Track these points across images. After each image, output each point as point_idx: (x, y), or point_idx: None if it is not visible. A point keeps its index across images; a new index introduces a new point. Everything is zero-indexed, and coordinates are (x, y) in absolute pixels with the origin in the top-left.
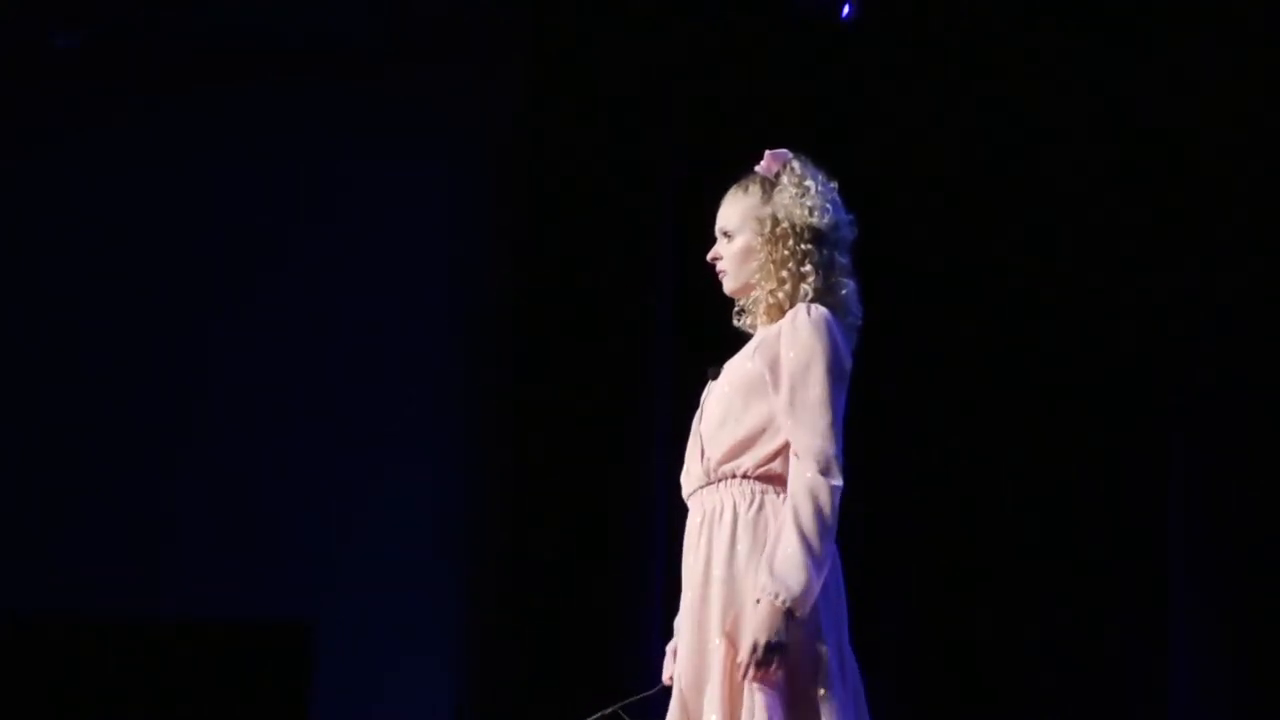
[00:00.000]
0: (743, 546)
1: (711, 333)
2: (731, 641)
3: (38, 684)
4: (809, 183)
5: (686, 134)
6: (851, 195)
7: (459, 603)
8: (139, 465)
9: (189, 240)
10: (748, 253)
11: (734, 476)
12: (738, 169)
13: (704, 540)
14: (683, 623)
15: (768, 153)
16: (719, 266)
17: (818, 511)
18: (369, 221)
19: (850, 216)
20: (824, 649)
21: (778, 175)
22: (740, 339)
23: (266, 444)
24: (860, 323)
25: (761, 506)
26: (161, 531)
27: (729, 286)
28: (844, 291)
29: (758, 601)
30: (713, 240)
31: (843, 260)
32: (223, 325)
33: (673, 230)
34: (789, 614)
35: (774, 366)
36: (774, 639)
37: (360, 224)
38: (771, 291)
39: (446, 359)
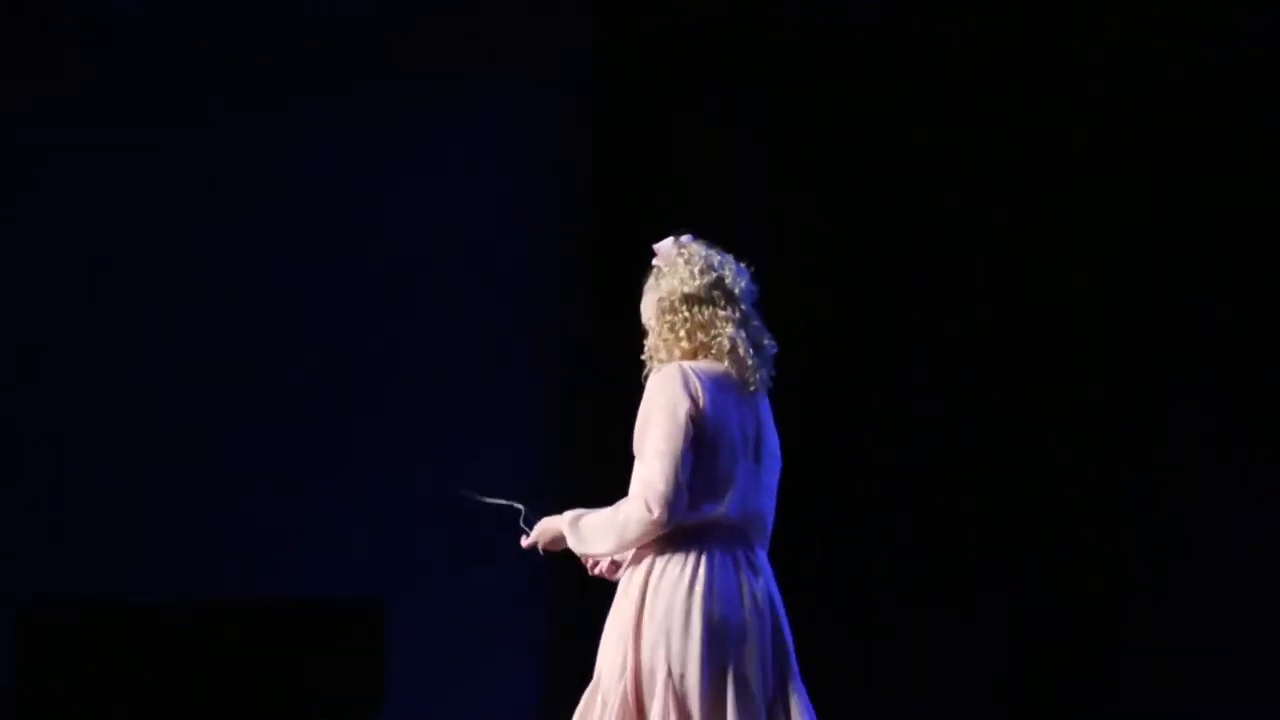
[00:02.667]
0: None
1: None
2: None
3: (120, 667)
4: (686, 254)
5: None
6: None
7: (538, 581)
8: (214, 444)
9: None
10: (654, 338)
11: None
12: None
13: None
14: None
15: (656, 247)
16: (646, 358)
17: (624, 525)
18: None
19: (725, 274)
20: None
21: (664, 262)
22: None
23: (346, 420)
24: (772, 351)
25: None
26: (237, 510)
27: (646, 371)
28: (721, 339)
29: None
30: None
31: (724, 312)
32: (287, 300)
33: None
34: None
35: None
36: (545, 542)
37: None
38: (661, 363)
39: (525, 336)
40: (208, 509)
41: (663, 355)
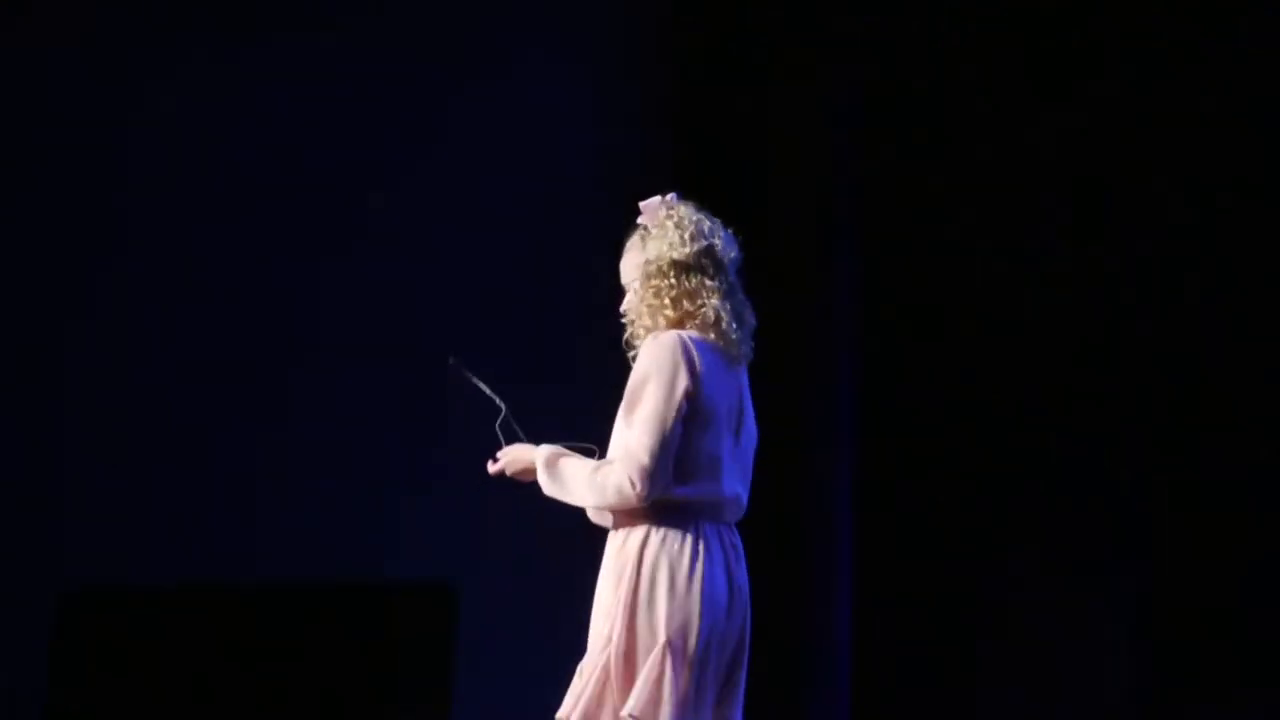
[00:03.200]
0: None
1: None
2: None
3: (191, 651)
4: (675, 218)
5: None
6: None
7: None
8: (282, 427)
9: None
10: (637, 300)
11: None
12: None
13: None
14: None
15: (642, 205)
16: (625, 320)
17: (603, 489)
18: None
19: (715, 243)
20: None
21: (650, 222)
22: None
23: (410, 404)
24: (753, 325)
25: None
26: (306, 493)
27: (627, 335)
28: (707, 310)
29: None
30: None
31: (711, 282)
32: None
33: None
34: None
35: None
36: (514, 470)
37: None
38: (645, 328)
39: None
40: (274, 492)
41: (646, 321)
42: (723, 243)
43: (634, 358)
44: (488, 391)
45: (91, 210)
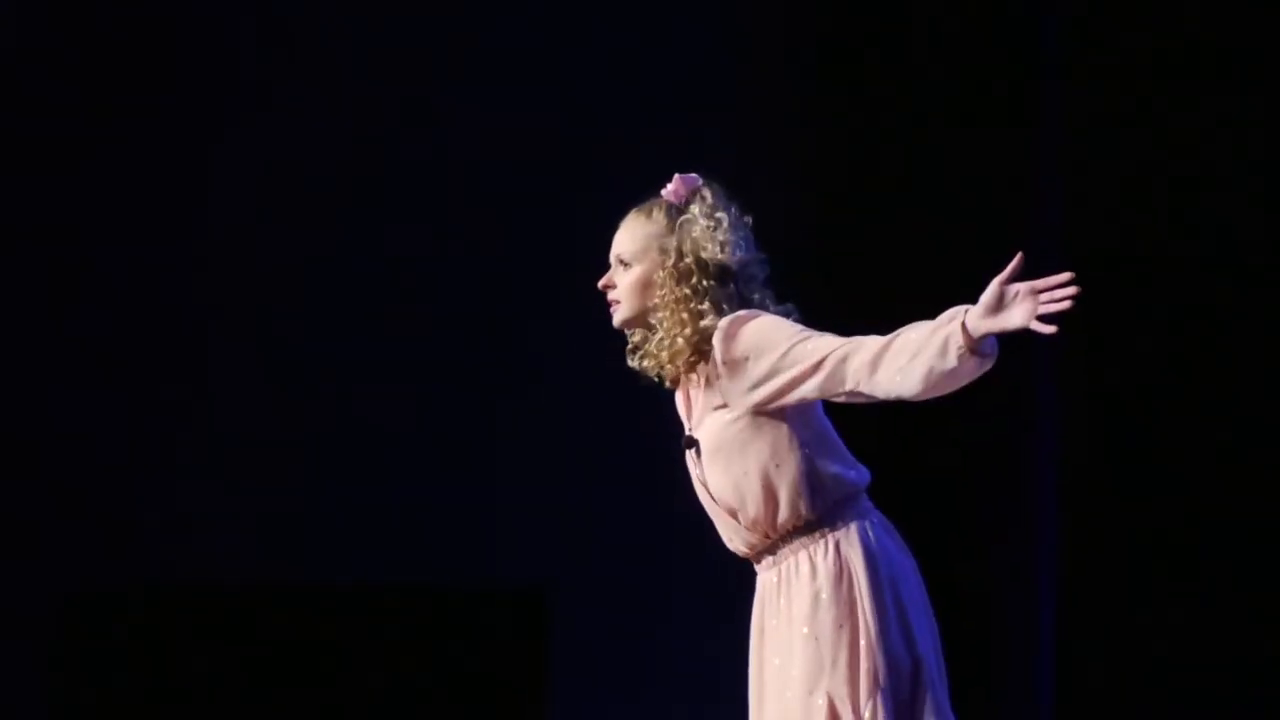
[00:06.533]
0: (825, 596)
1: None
2: (831, 700)
3: (276, 652)
4: (720, 215)
5: None
6: None
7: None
8: (369, 426)
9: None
10: (646, 285)
11: (799, 529)
12: None
13: (784, 601)
14: (767, 689)
15: (677, 177)
16: (610, 296)
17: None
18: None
19: (763, 256)
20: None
21: (686, 203)
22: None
23: (503, 399)
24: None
25: (838, 548)
26: (395, 495)
27: (620, 318)
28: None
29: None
30: None
31: (754, 298)
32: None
33: None
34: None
35: (749, 382)
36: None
37: None
38: (675, 335)
39: None
40: (361, 493)
41: (689, 331)
42: (761, 260)
43: (649, 367)
44: None
45: (98, 200)
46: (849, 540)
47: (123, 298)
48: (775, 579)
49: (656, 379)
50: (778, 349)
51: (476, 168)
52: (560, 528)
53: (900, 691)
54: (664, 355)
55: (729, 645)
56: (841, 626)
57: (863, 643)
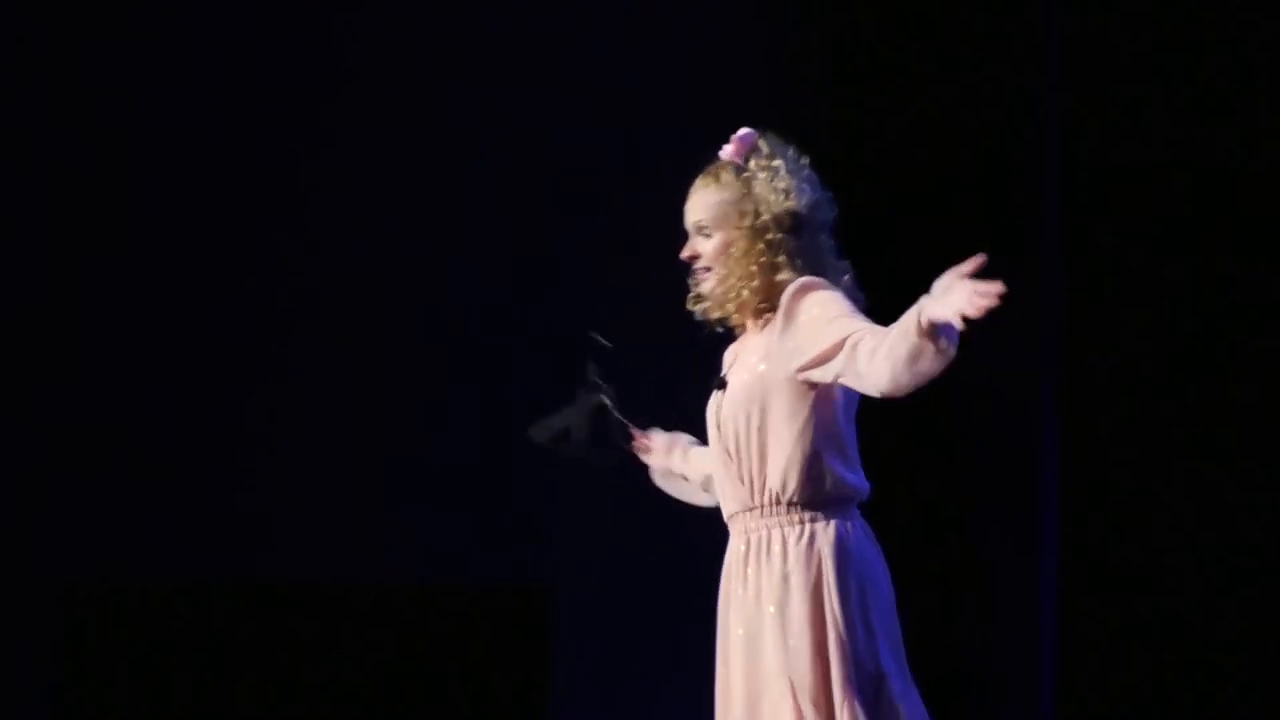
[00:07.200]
0: (795, 581)
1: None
2: (794, 687)
3: (276, 651)
4: (778, 162)
5: None
6: None
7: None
8: (369, 426)
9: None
10: (728, 249)
11: (780, 503)
12: None
13: (751, 571)
14: (732, 657)
15: (734, 137)
16: (699, 265)
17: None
18: None
19: (828, 194)
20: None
21: (747, 160)
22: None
23: (503, 399)
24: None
25: (812, 538)
26: (400, 493)
27: (711, 287)
28: (843, 276)
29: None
30: None
31: (830, 242)
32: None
33: None
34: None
35: (793, 346)
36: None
37: None
38: (742, 287)
39: None
40: (366, 492)
41: (764, 283)
42: (828, 199)
43: (715, 315)
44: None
45: (98, 203)
46: (825, 533)
47: (121, 297)
48: (744, 548)
49: (717, 325)
50: (825, 319)
51: (478, 167)
52: (561, 528)
53: (865, 690)
54: (730, 305)
55: None
56: (809, 615)
57: (831, 635)
